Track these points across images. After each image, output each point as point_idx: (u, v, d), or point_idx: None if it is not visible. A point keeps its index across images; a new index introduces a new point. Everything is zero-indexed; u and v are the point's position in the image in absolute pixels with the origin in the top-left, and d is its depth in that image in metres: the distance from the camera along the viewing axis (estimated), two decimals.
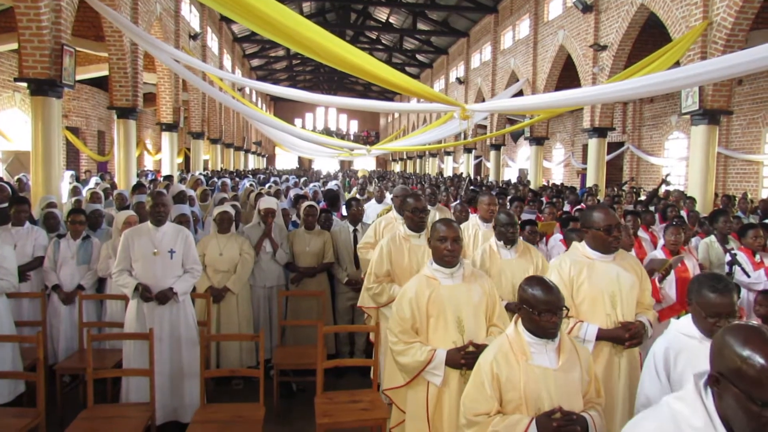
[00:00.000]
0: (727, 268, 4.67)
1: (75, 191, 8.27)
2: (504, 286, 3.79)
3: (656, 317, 3.41)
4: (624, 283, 3.06)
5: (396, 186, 5.39)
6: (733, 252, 4.74)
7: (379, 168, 40.87)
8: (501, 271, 3.82)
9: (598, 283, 3.05)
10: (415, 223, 3.79)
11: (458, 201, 8.28)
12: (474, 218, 4.87)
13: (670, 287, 4.34)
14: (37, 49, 7.34)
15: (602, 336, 3.01)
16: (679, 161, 15.86)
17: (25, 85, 7.57)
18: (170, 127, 14.54)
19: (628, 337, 2.99)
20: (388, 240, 3.82)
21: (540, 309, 2.28)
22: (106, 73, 11.64)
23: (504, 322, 2.96)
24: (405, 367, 2.84)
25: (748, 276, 4.67)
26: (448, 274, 2.89)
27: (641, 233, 5.87)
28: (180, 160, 21.29)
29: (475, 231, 4.72)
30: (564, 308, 2.31)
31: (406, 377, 2.87)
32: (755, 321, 4.09)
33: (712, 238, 5.43)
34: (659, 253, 4.70)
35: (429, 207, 6.04)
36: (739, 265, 4.61)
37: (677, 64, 8.94)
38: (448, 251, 2.85)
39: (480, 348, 2.75)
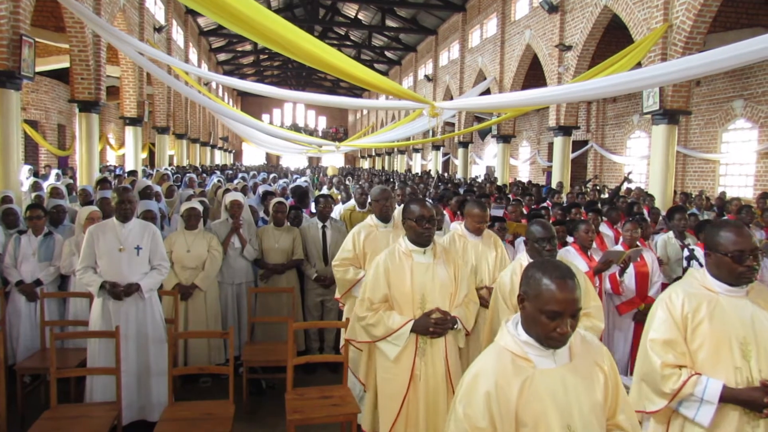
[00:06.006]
0: (684, 263, 4.84)
1: (35, 186, 8.03)
2: None
3: None
4: (761, 326, 2.28)
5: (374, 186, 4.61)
6: (690, 247, 4.92)
7: (348, 165, 40.82)
8: None
9: (724, 324, 2.28)
10: (421, 236, 3.04)
11: (427, 197, 8.34)
12: (459, 227, 4.12)
13: (629, 280, 4.48)
14: None
15: (729, 397, 2.21)
16: (641, 159, 16.32)
17: None
18: (134, 122, 14.23)
19: None
20: (385, 256, 3.10)
21: None
22: (66, 65, 11.30)
23: (631, 420, 1.90)
24: None
25: None
26: (549, 353, 1.78)
27: (605, 230, 6.05)
28: (144, 155, 20.87)
29: (463, 243, 3.99)
30: None
31: None
32: None
33: (670, 234, 5.62)
34: (619, 248, 4.84)
35: None
36: (697, 260, 4.78)
37: (639, 64, 9.20)
38: (560, 330, 1.71)
39: None
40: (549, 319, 1.71)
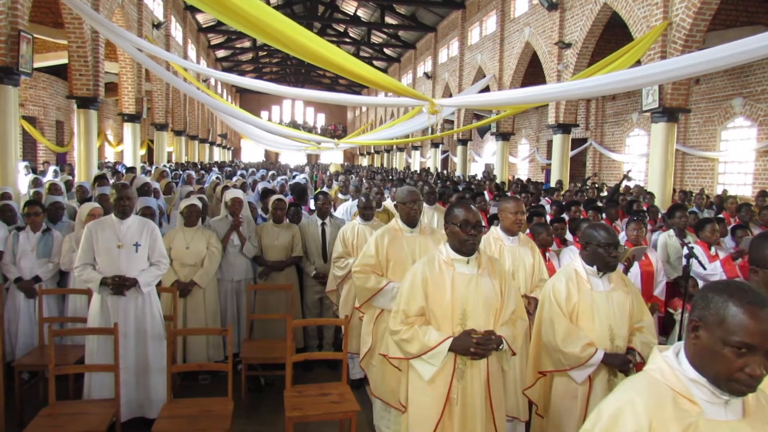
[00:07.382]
0: (684, 261, 4.83)
1: (36, 183, 8.01)
2: (597, 330, 2.78)
3: None
4: None
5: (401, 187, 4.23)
6: (690, 245, 4.92)
7: (346, 162, 40.79)
8: (594, 309, 2.80)
9: None
10: (465, 244, 2.67)
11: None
12: (494, 230, 3.87)
13: (635, 280, 4.47)
14: None
15: None
16: (640, 157, 16.33)
17: None
18: (132, 118, 14.21)
19: None
20: (423, 265, 2.75)
21: None
22: (65, 61, 11.25)
23: None
24: None
25: (704, 268, 4.86)
26: (721, 401, 1.42)
27: None
28: (143, 152, 20.85)
29: (500, 247, 3.74)
30: None
31: None
32: None
33: (671, 232, 5.63)
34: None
35: (427, 207, 5.50)
36: (696, 258, 4.78)
37: (638, 62, 9.19)
38: (750, 371, 1.33)
39: None
40: (735, 355, 1.32)
